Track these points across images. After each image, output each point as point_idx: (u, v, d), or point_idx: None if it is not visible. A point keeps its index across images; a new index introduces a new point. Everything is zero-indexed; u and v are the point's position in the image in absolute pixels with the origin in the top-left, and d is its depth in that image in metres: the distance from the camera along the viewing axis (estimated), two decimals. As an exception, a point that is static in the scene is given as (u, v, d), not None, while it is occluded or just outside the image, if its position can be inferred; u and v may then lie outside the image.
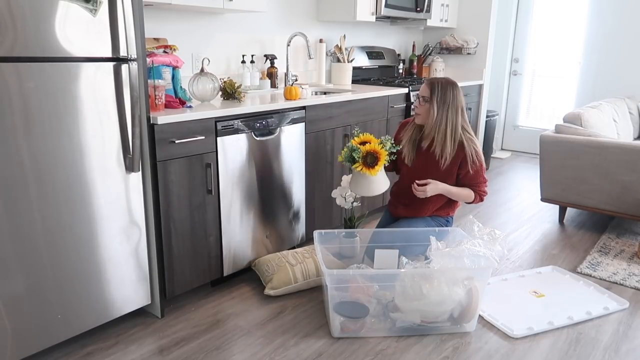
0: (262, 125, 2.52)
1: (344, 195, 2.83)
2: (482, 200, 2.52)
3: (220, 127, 2.31)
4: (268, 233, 2.69)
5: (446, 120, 2.39)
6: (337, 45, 3.72)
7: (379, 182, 2.41)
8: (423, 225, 2.52)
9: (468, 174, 2.44)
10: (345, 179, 2.82)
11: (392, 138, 2.52)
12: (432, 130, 2.42)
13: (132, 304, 2.15)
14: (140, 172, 2.06)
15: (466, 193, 2.47)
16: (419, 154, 2.51)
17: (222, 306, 2.38)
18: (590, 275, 2.74)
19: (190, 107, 2.32)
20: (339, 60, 3.75)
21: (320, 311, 2.34)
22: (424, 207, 2.53)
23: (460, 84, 4.19)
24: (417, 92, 3.62)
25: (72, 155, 1.83)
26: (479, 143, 2.48)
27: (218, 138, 2.31)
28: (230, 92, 2.59)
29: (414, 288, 2.07)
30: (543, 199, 3.53)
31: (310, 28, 3.65)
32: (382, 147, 2.36)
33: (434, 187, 2.39)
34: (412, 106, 2.42)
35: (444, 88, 2.40)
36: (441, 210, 2.56)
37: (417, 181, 2.42)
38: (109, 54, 1.88)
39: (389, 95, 3.40)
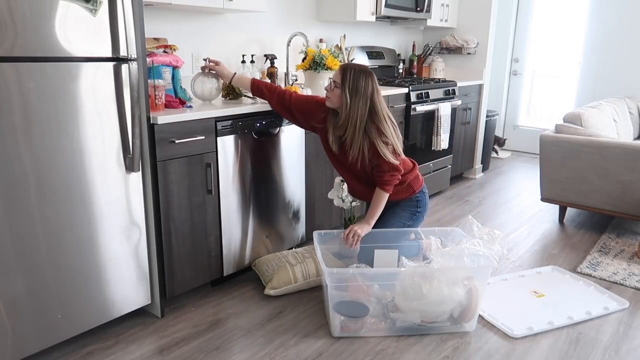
0: (262, 125, 2.52)
1: (340, 196, 2.82)
2: (388, 187, 2.36)
3: (220, 127, 2.31)
4: (268, 233, 2.69)
5: (357, 110, 2.28)
6: (337, 45, 3.72)
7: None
8: (396, 219, 2.45)
9: (374, 167, 2.35)
10: (337, 179, 2.81)
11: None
12: (346, 119, 2.31)
13: (132, 303, 2.15)
14: (140, 172, 2.06)
15: (380, 198, 2.38)
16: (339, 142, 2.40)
17: (222, 306, 2.38)
18: (590, 275, 2.74)
19: (190, 107, 2.33)
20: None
21: (320, 311, 2.34)
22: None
23: (460, 84, 4.23)
24: (417, 91, 3.65)
25: (72, 155, 1.83)
26: (388, 134, 2.33)
27: (218, 138, 2.31)
28: (238, 92, 2.60)
29: (414, 288, 2.07)
30: (543, 199, 3.53)
31: (310, 28, 3.65)
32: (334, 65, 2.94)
33: (364, 230, 2.35)
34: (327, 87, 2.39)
35: (357, 76, 2.29)
36: (400, 194, 2.46)
37: (343, 236, 2.39)
38: (109, 54, 1.88)
39: (389, 95, 3.40)
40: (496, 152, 5.65)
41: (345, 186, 2.78)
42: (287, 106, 2.49)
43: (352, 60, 3.79)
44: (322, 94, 2.88)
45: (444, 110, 3.84)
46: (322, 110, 2.45)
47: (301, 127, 2.60)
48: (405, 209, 2.51)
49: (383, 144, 2.31)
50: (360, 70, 2.32)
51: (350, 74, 2.29)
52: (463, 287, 2.09)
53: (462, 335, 2.17)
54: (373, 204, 2.41)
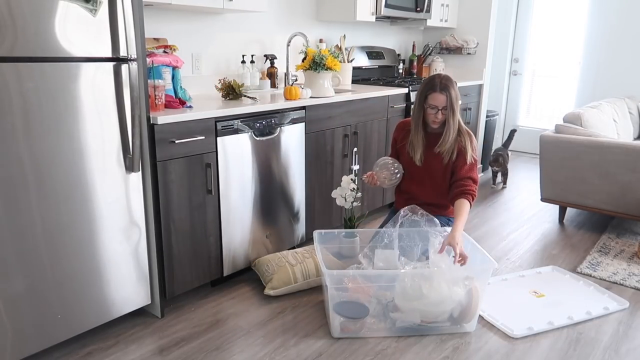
0: (262, 125, 2.52)
1: (344, 195, 2.83)
2: (473, 201, 2.39)
3: (220, 127, 2.31)
4: (268, 233, 2.69)
5: (458, 118, 2.43)
6: (337, 45, 3.73)
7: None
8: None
9: (464, 166, 2.41)
10: (345, 179, 2.82)
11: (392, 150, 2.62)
12: (450, 132, 2.40)
13: (132, 304, 2.15)
14: (140, 172, 2.06)
15: (465, 209, 2.32)
16: (428, 154, 2.49)
17: (222, 306, 2.38)
18: (590, 275, 2.74)
19: (190, 107, 2.33)
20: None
21: (320, 311, 2.34)
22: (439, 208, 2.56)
23: (460, 84, 4.24)
24: (417, 91, 3.64)
25: (72, 155, 1.83)
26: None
27: (218, 138, 2.31)
28: (238, 92, 2.60)
29: (414, 288, 2.07)
30: (543, 199, 3.53)
31: (310, 28, 3.65)
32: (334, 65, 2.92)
33: (460, 243, 2.17)
34: (432, 116, 2.41)
35: (455, 90, 2.38)
36: (447, 210, 2.58)
37: (454, 256, 2.14)
38: (109, 54, 1.88)
39: (389, 95, 3.40)
40: (493, 182, 4.52)
41: (351, 186, 2.79)
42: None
43: (352, 61, 3.80)
44: (322, 93, 2.89)
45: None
46: (401, 138, 2.57)
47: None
48: (439, 218, 2.52)
49: (475, 146, 2.47)
50: (451, 81, 2.39)
51: (451, 91, 2.35)
52: (463, 287, 2.09)
53: (462, 335, 2.17)
54: (462, 214, 2.30)
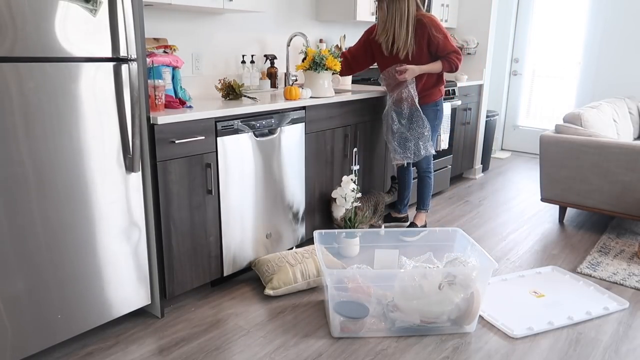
0: (262, 125, 2.52)
1: (344, 195, 2.83)
2: (452, 67, 2.93)
3: (220, 127, 2.31)
4: (268, 233, 2.69)
5: (396, 12, 2.86)
6: (337, 45, 3.72)
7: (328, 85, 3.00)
8: (421, 119, 3.03)
9: (438, 45, 2.89)
10: (345, 179, 2.82)
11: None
12: (387, 28, 2.93)
13: (132, 304, 2.15)
14: (140, 172, 2.06)
15: (437, 65, 2.95)
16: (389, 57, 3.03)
17: (222, 306, 2.39)
18: (590, 276, 2.74)
19: (190, 107, 2.33)
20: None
21: (320, 311, 2.35)
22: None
23: (460, 84, 4.24)
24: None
25: (72, 156, 1.83)
26: (437, 18, 2.93)
27: (218, 138, 2.31)
28: (238, 92, 2.61)
29: (414, 287, 2.07)
30: (543, 199, 3.53)
31: (310, 28, 3.65)
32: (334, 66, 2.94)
33: (411, 72, 2.91)
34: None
35: None
36: (429, 97, 3.08)
37: (397, 68, 2.92)
38: (109, 54, 1.88)
39: (389, 95, 3.40)
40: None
41: (351, 186, 2.79)
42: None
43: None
44: (322, 93, 2.89)
45: (444, 110, 3.83)
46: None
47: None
48: (429, 108, 3.12)
49: (437, 23, 2.92)
50: None
51: None
52: (458, 291, 2.09)
53: (462, 335, 2.17)
54: (428, 65, 2.96)
